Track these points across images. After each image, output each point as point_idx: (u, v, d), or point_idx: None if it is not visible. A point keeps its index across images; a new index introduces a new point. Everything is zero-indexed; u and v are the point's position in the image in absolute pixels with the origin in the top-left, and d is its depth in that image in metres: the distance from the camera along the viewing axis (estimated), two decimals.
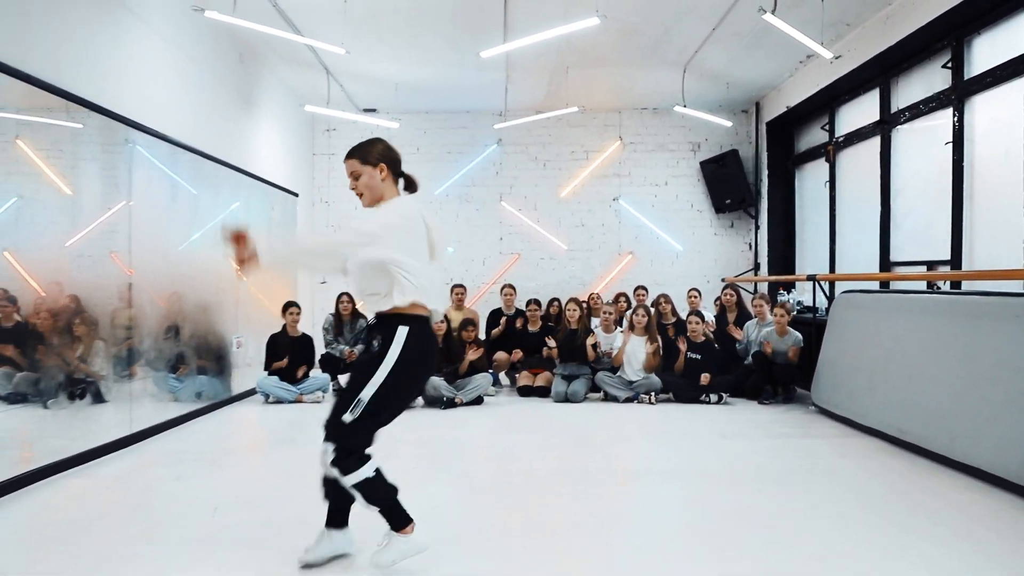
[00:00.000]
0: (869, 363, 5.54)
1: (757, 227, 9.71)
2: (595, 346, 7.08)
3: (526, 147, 9.97)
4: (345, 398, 2.65)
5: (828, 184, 8.12)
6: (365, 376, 2.63)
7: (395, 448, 4.90)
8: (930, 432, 4.60)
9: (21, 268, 4.65)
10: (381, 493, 2.69)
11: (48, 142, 4.81)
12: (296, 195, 9.00)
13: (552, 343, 7.27)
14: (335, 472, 2.63)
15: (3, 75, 3.94)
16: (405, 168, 2.87)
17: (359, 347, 7.31)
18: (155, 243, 5.66)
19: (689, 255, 9.94)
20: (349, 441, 2.63)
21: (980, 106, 5.60)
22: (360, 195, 2.81)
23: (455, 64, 7.85)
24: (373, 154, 2.78)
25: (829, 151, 8.02)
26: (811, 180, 8.80)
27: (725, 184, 9.55)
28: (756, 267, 9.74)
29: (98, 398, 5.04)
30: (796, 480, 4.15)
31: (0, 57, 3.89)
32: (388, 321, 2.66)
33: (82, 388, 4.78)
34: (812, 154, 8.59)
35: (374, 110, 9.85)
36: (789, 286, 8.43)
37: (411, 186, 2.89)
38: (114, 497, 3.84)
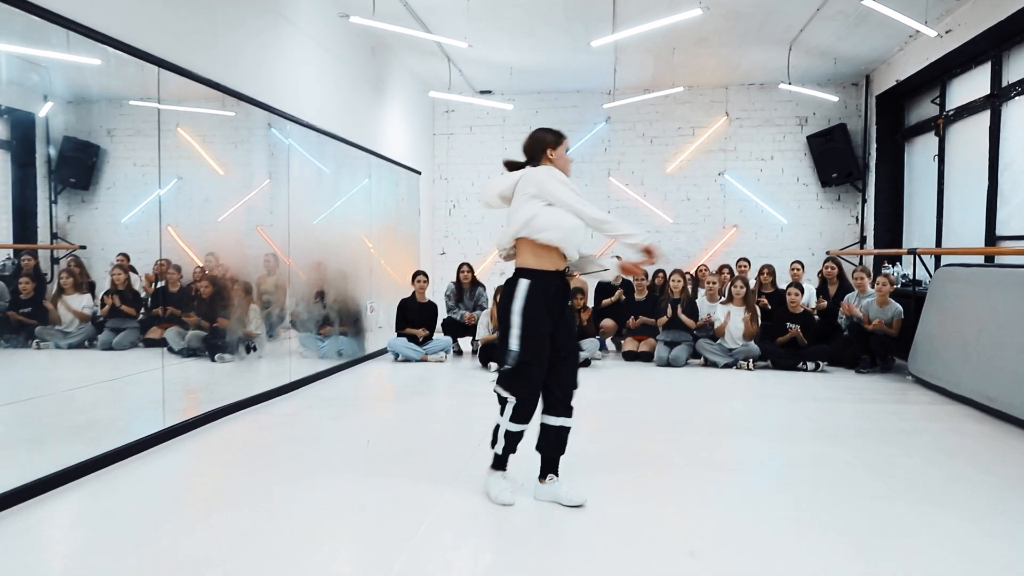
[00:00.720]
0: (964, 334, 5.75)
1: (864, 200, 9.75)
2: (687, 311, 7.48)
3: (633, 124, 10.37)
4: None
5: (937, 158, 8.13)
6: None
7: None
8: (1016, 398, 4.84)
9: (181, 241, 5.57)
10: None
11: (205, 128, 5.65)
12: (419, 173, 9.80)
13: (675, 312, 7.66)
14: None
15: (182, 77, 4.76)
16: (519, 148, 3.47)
17: (477, 312, 8.03)
18: (300, 218, 6.50)
19: (794, 228, 10.10)
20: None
21: None
22: None
23: (567, 49, 8.33)
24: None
25: (939, 125, 8.03)
26: (920, 154, 8.79)
27: (832, 158, 9.63)
28: (862, 240, 9.80)
29: (258, 354, 5.98)
30: (877, 437, 4.53)
31: (184, 63, 4.71)
32: None
33: (254, 344, 5.71)
34: (922, 127, 8.58)
35: (489, 91, 10.49)
36: (894, 259, 8.52)
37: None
38: (289, 430, 4.71)
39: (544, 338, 3.19)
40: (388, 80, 8.72)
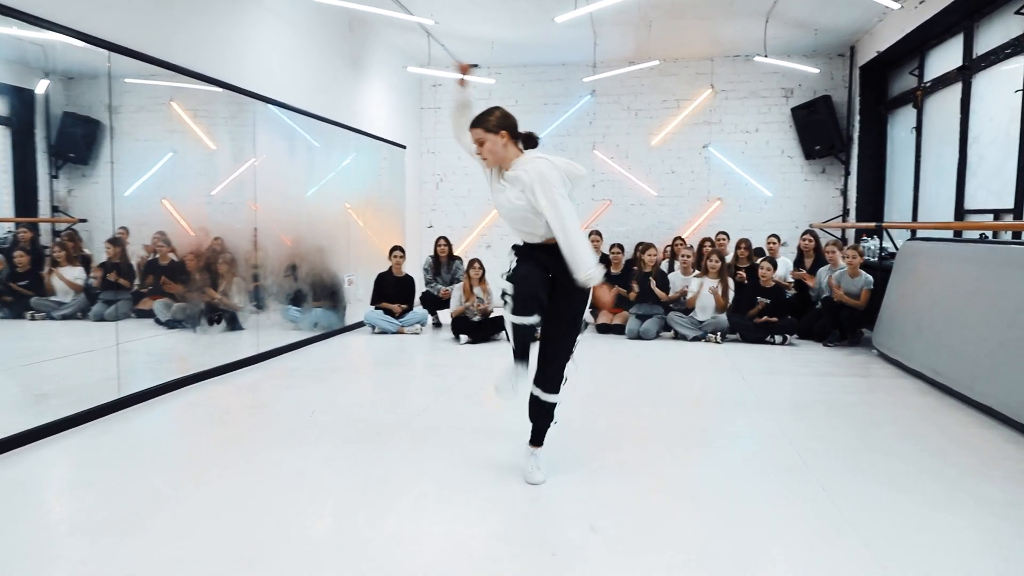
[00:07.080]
0: (919, 308, 5.79)
1: (848, 173, 9.71)
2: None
3: (618, 97, 10.35)
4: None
5: (915, 130, 8.08)
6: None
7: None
8: (957, 373, 4.90)
9: (177, 214, 5.79)
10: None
11: (195, 103, 5.84)
12: (404, 147, 9.87)
13: (636, 288, 7.77)
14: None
15: (152, 65, 4.93)
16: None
17: (454, 286, 8.12)
18: (277, 193, 6.68)
19: (778, 201, 10.08)
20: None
21: None
22: (484, 159, 3.21)
23: (542, 23, 8.27)
24: (491, 122, 3.15)
25: (917, 96, 7.97)
26: (901, 126, 8.72)
27: (815, 130, 9.58)
28: (845, 213, 9.78)
29: (236, 325, 6.18)
30: (814, 411, 4.64)
31: (145, 49, 4.85)
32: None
33: (219, 316, 5.89)
34: (903, 99, 8.51)
35: (476, 65, 10.50)
36: (872, 233, 8.51)
37: (530, 141, 3.27)
38: (243, 399, 4.90)
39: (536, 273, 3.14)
40: (369, 56, 8.77)
